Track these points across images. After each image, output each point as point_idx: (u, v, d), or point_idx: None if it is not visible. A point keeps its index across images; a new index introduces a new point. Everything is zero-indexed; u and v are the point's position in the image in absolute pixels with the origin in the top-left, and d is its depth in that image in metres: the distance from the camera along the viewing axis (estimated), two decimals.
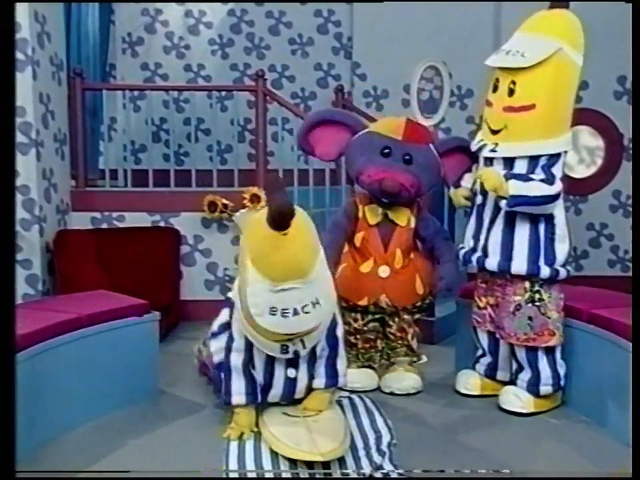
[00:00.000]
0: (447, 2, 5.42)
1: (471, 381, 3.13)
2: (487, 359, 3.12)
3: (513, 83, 2.76)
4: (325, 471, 2.27)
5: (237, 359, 2.55)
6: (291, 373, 2.57)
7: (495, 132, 2.84)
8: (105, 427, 2.74)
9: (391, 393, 3.13)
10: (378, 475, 2.26)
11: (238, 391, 2.56)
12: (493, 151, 2.83)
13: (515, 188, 2.69)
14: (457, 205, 3.22)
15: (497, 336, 2.98)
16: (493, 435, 2.71)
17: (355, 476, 2.27)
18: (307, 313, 2.23)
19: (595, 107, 5.32)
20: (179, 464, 2.38)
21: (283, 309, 2.20)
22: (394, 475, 2.26)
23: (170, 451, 2.54)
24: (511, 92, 2.77)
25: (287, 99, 5.35)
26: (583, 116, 5.37)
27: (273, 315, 2.21)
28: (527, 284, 2.85)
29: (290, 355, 2.44)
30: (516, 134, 2.78)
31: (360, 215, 3.09)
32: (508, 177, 2.71)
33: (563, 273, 2.86)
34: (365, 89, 5.84)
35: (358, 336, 3.16)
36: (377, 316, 3.16)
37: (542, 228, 2.82)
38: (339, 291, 2.71)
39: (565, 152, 2.83)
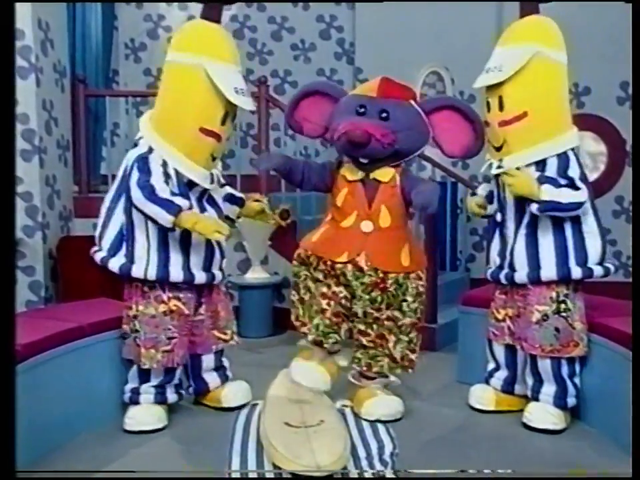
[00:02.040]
0: (449, 8, 5.42)
1: (485, 396, 3.04)
2: (502, 373, 3.04)
3: (500, 97, 2.76)
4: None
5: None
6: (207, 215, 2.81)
7: (497, 149, 2.82)
8: (108, 435, 2.75)
9: (378, 420, 2.84)
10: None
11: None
12: (499, 167, 2.80)
13: (548, 193, 2.64)
14: (471, 213, 3.18)
15: (518, 348, 2.90)
16: (495, 446, 2.70)
17: (355, 476, 2.29)
18: (248, 96, 2.81)
19: (598, 113, 5.33)
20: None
21: (241, 89, 2.73)
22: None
23: (172, 458, 2.54)
24: (501, 106, 2.76)
25: None
26: (585, 121, 5.39)
27: (237, 93, 2.69)
28: (553, 294, 2.80)
29: (215, 184, 2.85)
30: (516, 145, 2.76)
31: (342, 173, 2.88)
32: (542, 181, 2.66)
33: (598, 271, 2.80)
34: None
35: (332, 302, 2.82)
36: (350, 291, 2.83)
37: (568, 228, 2.77)
38: (317, 251, 2.84)
39: (573, 150, 2.80)
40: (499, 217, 2.92)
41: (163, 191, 2.61)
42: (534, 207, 2.68)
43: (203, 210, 2.82)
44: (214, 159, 2.83)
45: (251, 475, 2.33)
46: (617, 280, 5.32)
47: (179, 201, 2.61)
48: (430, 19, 5.52)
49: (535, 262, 2.80)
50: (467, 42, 5.42)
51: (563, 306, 2.80)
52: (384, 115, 2.77)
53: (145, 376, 2.84)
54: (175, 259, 2.76)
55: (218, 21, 2.77)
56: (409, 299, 2.85)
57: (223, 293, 3.04)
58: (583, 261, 2.79)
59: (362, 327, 2.85)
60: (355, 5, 5.94)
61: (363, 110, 2.78)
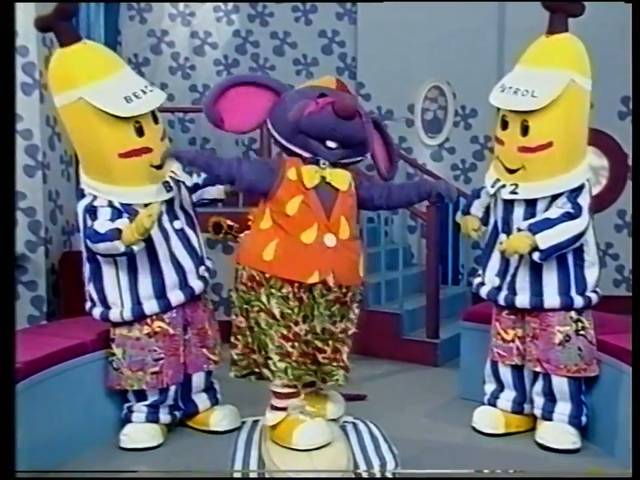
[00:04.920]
0: (451, 22, 5.44)
1: (494, 420, 2.97)
2: (510, 394, 2.99)
3: (525, 121, 2.65)
4: None
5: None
6: (177, 224, 2.85)
7: (511, 171, 2.75)
8: (108, 453, 2.75)
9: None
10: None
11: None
12: (513, 192, 2.75)
13: (545, 240, 2.62)
14: (464, 234, 3.15)
15: (537, 369, 2.84)
16: (503, 465, 2.66)
17: (353, 476, 2.30)
18: (151, 91, 2.72)
19: (600, 127, 5.31)
20: None
21: (133, 93, 2.64)
22: None
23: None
24: (525, 131, 2.67)
25: None
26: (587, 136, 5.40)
27: (129, 101, 2.61)
28: (572, 313, 2.79)
29: (174, 191, 2.80)
30: (535, 174, 2.70)
31: (292, 177, 2.44)
32: (534, 230, 2.64)
33: (594, 299, 2.83)
34: (369, 109, 5.86)
35: (296, 344, 2.47)
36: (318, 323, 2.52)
37: (570, 257, 2.76)
38: (277, 272, 2.41)
39: (588, 180, 2.78)
40: (503, 239, 2.84)
41: (102, 226, 2.62)
42: (536, 256, 2.67)
43: (175, 218, 2.85)
44: (158, 167, 2.74)
45: (252, 475, 2.35)
46: (619, 294, 5.35)
47: (113, 225, 2.61)
48: (432, 34, 5.54)
49: (538, 288, 2.78)
50: (469, 57, 5.45)
51: (580, 324, 2.80)
52: None
53: (140, 395, 2.84)
54: (146, 292, 2.77)
55: (71, 36, 2.64)
56: (356, 307, 2.65)
57: (209, 310, 3.03)
58: (582, 289, 2.79)
59: (319, 344, 2.56)
60: (356, 20, 5.97)
61: None
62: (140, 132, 2.67)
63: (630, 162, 5.30)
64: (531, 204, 2.76)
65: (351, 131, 2.44)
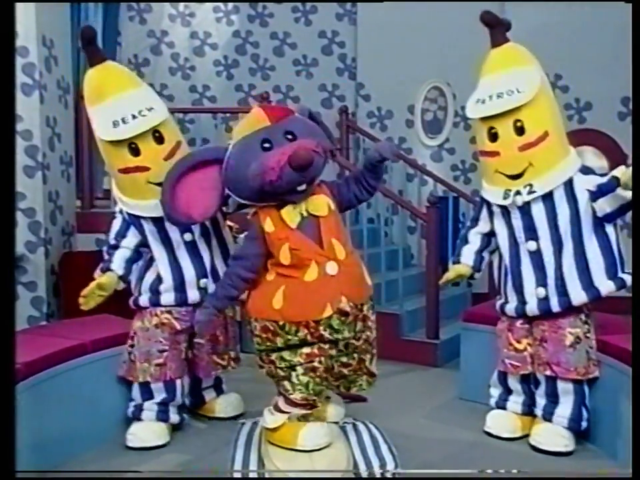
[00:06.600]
0: (451, 23, 5.44)
1: (512, 423, 2.93)
2: (519, 398, 2.97)
3: (518, 121, 2.69)
4: None
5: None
6: (188, 236, 2.83)
7: (517, 176, 2.73)
8: (110, 453, 2.74)
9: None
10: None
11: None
12: (531, 192, 2.71)
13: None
14: (455, 278, 3.04)
15: (547, 373, 2.79)
16: (500, 466, 2.68)
17: (353, 476, 2.31)
18: (143, 115, 2.67)
19: (599, 128, 5.34)
20: None
21: (122, 118, 2.65)
22: None
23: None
24: (520, 131, 2.70)
25: None
26: (587, 136, 5.40)
27: (116, 125, 2.65)
28: (582, 315, 2.78)
29: None
30: (544, 165, 2.71)
31: (269, 229, 2.46)
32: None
33: (628, 279, 2.82)
34: (369, 110, 5.88)
35: (322, 358, 2.51)
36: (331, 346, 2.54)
37: (612, 235, 2.79)
38: (289, 317, 2.44)
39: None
40: (532, 246, 2.78)
41: (111, 240, 2.86)
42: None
43: (186, 230, 2.83)
44: (159, 184, 2.61)
45: (251, 475, 2.39)
46: (620, 294, 5.33)
47: (108, 256, 2.83)
48: (432, 35, 5.54)
49: (587, 277, 2.74)
50: (469, 57, 5.41)
51: (586, 327, 2.80)
52: (289, 136, 2.45)
53: (147, 393, 2.85)
54: (145, 286, 2.88)
55: (102, 59, 2.78)
56: (372, 314, 2.67)
57: (225, 316, 3.02)
58: (623, 268, 2.80)
59: (344, 360, 2.61)
60: (356, 20, 5.98)
61: (268, 145, 2.42)
62: (136, 152, 2.72)
63: (630, 162, 5.31)
64: (548, 198, 2.73)
65: (315, 170, 2.43)
